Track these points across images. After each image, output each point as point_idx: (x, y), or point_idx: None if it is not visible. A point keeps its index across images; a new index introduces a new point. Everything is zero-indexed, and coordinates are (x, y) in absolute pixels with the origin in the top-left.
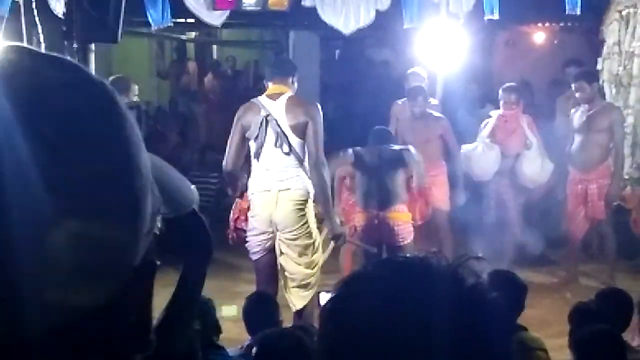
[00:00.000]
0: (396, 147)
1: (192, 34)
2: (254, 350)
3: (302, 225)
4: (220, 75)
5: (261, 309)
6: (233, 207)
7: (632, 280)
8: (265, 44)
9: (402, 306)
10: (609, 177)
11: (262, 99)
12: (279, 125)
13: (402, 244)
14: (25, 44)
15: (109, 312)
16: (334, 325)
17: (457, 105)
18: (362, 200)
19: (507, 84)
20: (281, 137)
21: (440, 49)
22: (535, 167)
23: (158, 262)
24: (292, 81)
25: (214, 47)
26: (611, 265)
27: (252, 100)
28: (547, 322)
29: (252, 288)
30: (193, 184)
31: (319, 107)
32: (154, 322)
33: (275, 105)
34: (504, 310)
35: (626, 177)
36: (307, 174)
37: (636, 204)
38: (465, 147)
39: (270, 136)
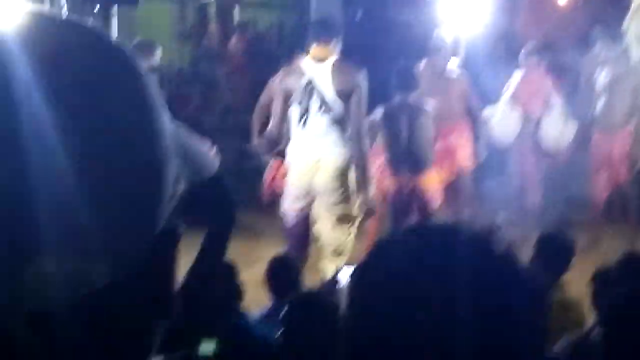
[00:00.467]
0: (421, 99)
1: None
2: (282, 313)
3: (343, 191)
4: (247, 37)
5: (285, 272)
6: (269, 166)
7: None
8: (287, 6)
9: (430, 274)
10: (633, 138)
11: (306, 61)
12: (322, 91)
13: (432, 209)
14: (46, 8)
15: (134, 279)
16: (363, 290)
17: (482, 66)
18: (393, 164)
19: (529, 44)
20: (324, 102)
21: (464, 10)
22: (557, 131)
23: (183, 227)
24: (336, 44)
25: (236, 9)
26: (633, 229)
27: (295, 63)
28: (568, 284)
29: (273, 252)
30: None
31: (365, 73)
32: (178, 285)
33: (319, 69)
34: (534, 281)
35: None
36: (347, 141)
37: None
38: (486, 111)
39: (315, 102)
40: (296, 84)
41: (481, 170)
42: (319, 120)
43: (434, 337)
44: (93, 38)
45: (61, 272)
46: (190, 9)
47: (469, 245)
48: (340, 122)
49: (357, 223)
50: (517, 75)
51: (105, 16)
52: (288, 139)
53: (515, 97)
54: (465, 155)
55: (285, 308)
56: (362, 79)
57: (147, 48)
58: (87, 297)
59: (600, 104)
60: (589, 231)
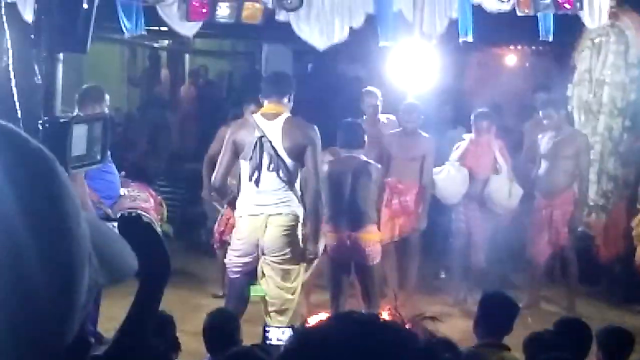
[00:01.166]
0: (364, 158)
1: (165, 42)
2: None
3: (290, 249)
4: (197, 84)
5: (223, 326)
6: (219, 218)
7: (593, 307)
8: (238, 54)
9: None
10: (574, 203)
11: (257, 117)
12: (273, 148)
13: (371, 264)
14: None
15: None
16: None
17: (428, 126)
18: (333, 220)
19: (480, 110)
20: (275, 160)
21: (413, 69)
22: (504, 193)
23: (92, 340)
24: (289, 99)
25: (187, 56)
26: (573, 291)
27: (246, 117)
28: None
29: (214, 301)
30: (160, 193)
31: (317, 130)
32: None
33: (271, 126)
34: None
35: (591, 203)
36: (297, 197)
37: (600, 231)
38: (434, 170)
39: (265, 158)
40: (247, 139)
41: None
42: (269, 177)
43: None
44: (9, 140)
45: None
46: (141, 53)
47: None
48: (290, 180)
49: (300, 281)
50: (467, 138)
51: (52, 61)
52: (237, 192)
53: (463, 158)
54: (419, 213)
55: None
56: (314, 136)
57: (96, 95)
58: None
59: (543, 168)
60: (529, 292)
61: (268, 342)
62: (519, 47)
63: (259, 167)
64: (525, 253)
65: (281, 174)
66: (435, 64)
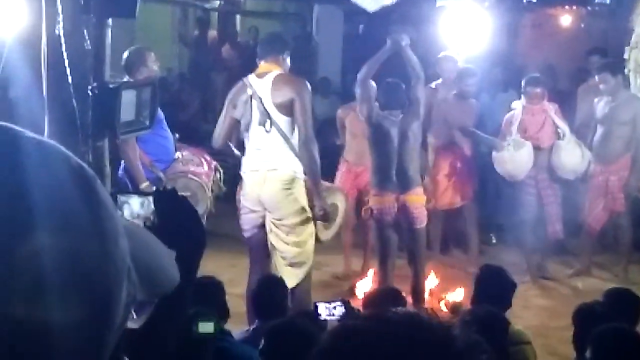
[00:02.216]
0: (407, 119)
1: (216, 3)
2: (262, 342)
3: (289, 205)
4: (238, 45)
5: (271, 292)
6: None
7: None
8: (289, 16)
9: None
10: (630, 169)
11: (251, 77)
12: (262, 104)
13: (419, 226)
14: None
15: None
16: None
17: (479, 89)
18: (380, 183)
19: (531, 75)
20: (264, 115)
21: (464, 30)
22: (576, 157)
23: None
24: (283, 59)
25: (237, 16)
26: (625, 258)
27: (242, 79)
28: (556, 313)
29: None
30: (211, 154)
31: (307, 84)
32: None
33: (261, 83)
34: None
35: None
36: (295, 153)
37: None
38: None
39: (255, 115)
40: (240, 99)
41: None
42: (261, 134)
43: None
44: (51, 158)
45: None
46: (192, 13)
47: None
48: (282, 135)
49: (309, 233)
50: (518, 107)
51: (101, 27)
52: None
53: (522, 131)
54: (471, 184)
55: (263, 339)
56: (303, 89)
57: (137, 59)
58: None
59: (598, 133)
60: (581, 258)
61: (318, 317)
62: (574, 7)
63: (249, 124)
64: (577, 218)
65: (271, 129)
66: (488, 26)
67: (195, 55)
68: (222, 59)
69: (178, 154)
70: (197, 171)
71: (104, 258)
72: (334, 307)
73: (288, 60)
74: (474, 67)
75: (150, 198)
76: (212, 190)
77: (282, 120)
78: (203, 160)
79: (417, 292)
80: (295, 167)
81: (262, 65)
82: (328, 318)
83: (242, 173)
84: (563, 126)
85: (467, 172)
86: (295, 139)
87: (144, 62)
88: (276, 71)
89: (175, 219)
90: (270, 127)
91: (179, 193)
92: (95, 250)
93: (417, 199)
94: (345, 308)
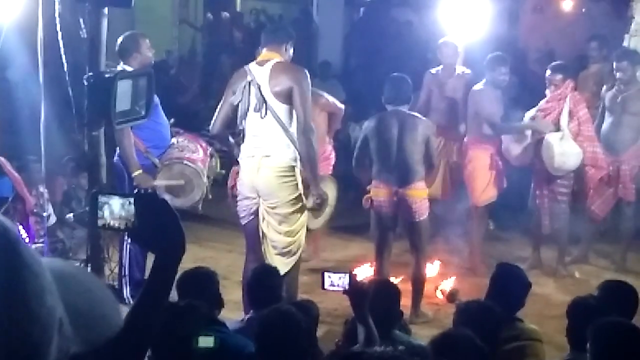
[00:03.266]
0: (415, 114)
1: None
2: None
3: (283, 193)
4: (243, 27)
5: (265, 282)
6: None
7: None
8: None
9: None
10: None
11: (252, 65)
12: (260, 91)
13: (418, 219)
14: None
15: None
16: None
17: (480, 74)
18: (380, 175)
19: (554, 63)
20: (260, 102)
21: (465, 14)
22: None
23: None
24: (286, 48)
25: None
26: (625, 247)
27: (244, 66)
28: (551, 302)
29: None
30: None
31: (306, 72)
32: None
33: (261, 70)
34: None
35: None
36: (292, 141)
37: None
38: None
39: (252, 101)
40: (239, 85)
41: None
42: (259, 120)
43: None
44: None
45: None
46: None
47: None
48: (280, 123)
49: (301, 223)
50: (556, 100)
51: (97, 15)
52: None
53: (568, 127)
54: (485, 176)
55: (259, 324)
56: (302, 77)
57: (130, 45)
58: None
59: (607, 122)
60: (580, 246)
61: (325, 287)
62: None
63: (246, 111)
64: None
65: (267, 116)
66: (488, 11)
67: (207, 37)
68: (233, 42)
69: (174, 140)
70: (193, 157)
71: (26, 320)
72: (339, 278)
73: (291, 51)
74: (502, 54)
75: (131, 199)
76: (207, 177)
77: (280, 108)
78: (199, 146)
79: (417, 282)
80: (291, 155)
81: (264, 53)
82: (331, 289)
83: (239, 159)
84: (563, 122)
85: (502, 165)
86: (293, 128)
87: (137, 49)
88: (276, 59)
89: (155, 221)
90: (266, 113)
91: (176, 180)
92: (16, 314)
93: (417, 194)
94: (350, 280)
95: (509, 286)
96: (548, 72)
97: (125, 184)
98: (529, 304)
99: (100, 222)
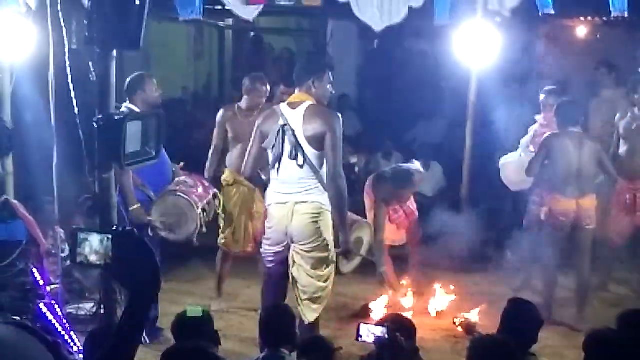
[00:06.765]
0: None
1: (230, 21)
2: None
3: (317, 238)
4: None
5: (278, 322)
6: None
7: None
8: (303, 32)
9: None
10: None
11: (283, 107)
12: (295, 136)
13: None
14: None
15: None
16: None
17: (495, 104)
18: (561, 186)
19: (548, 88)
20: (296, 148)
21: (478, 44)
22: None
23: None
24: (314, 84)
25: (252, 34)
26: None
27: (274, 107)
28: (571, 332)
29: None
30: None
31: (339, 116)
32: None
33: (294, 114)
34: None
35: None
36: (323, 186)
37: None
38: (504, 158)
39: (287, 147)
40: (271, 128)
41: None
42: (291, 166)
43: None
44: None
45: None
46: (207, 32)
47: None
48: (312, 168)
49: (331, 270)
50: (538, 118)
51: (105, 59)
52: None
53: (533, 143)
54: None
55: None
56: (335, 123)
57: (134, 84)
58: None
59: (624, 149)
60: (600, 273)
61: (361, 340)
62: (590, 18)
63: (280, 156)
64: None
65: (303, 163)
66: (500, 41)
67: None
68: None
69: (176, 179)
70: (188, 191)
71: None
72: (375, 331)
73: (325, 81)
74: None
75: (109, 236)
76: (203, 210)
77: (312, 153)
78: (199, 183)
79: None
80: (322, 200)
81: (296, 95)
82: (367, 340)
83: (267, 205)
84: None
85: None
86: (323, 173)
87: (142, 87)
88: (309, 102)
89: (130, 259)
90: (304, 161)
91: (167, 217)
92: None
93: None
94: (388, 335)
95: (520, 322)
96: (542, 96)
97: (126, 219)
98: (548, 336)
99: (79, 259)
